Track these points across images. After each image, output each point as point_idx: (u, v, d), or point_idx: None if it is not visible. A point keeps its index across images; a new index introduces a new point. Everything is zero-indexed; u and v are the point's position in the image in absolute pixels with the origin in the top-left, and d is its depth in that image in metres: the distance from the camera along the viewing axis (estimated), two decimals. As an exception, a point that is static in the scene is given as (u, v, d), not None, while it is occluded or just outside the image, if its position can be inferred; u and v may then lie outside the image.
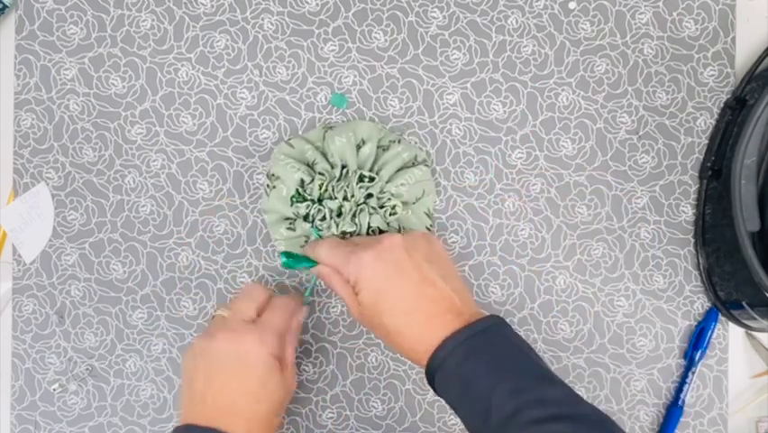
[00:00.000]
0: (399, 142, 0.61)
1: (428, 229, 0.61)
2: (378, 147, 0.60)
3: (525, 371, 0.50)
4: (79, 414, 0.66)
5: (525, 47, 0.65)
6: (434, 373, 0.51)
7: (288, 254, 0.59)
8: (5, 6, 0.65)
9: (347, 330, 0.65)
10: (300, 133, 0.65)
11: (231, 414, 0.52)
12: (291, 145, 0.60)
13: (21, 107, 0.66)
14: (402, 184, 0.59)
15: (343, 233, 0.58)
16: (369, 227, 0.58)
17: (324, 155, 0.60)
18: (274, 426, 0.55)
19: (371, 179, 0.59)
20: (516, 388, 0.47)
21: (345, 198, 0.58)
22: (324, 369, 0.65)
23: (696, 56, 0.65)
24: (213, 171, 0.65)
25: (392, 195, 0.59)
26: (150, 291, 0.65)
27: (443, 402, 0.65)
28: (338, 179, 0.59)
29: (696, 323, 0.65)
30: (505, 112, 0.65)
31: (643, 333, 0.65)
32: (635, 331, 0.65)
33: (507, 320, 0.65)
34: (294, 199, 0.59)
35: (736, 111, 0.62)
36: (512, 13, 0.65)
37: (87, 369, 0.66)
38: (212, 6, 0.65)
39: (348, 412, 0.65)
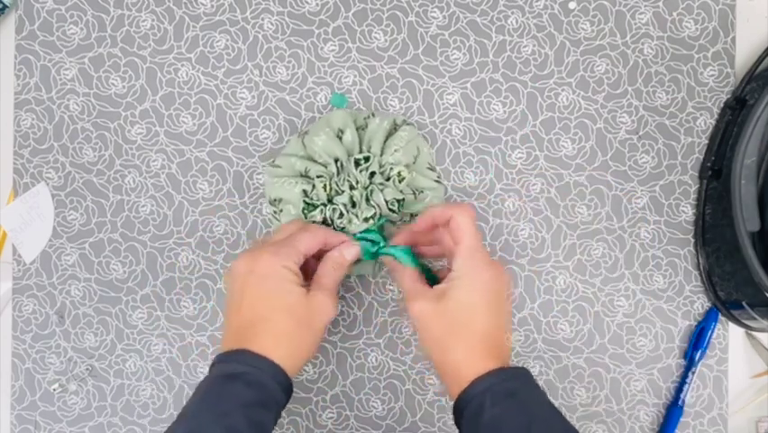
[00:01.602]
0: (373, 115, 0.61)
1: (437, 182, 0.62)
2: (356, 129, 0.60)
3: (555, 421, 0.51)
4: (79, 414, 0.66)
5: (525, 47, 0.65)
6: (469, 402, 0.50)
7: None
8: (5, 6, 0.65)
9: (347, 330, 0.65)
10: (299, 129, 0.65)
11: (254, 330, 0.51)
12: (278, 165, 0.60)
13: (21, 107, 0.66)
14: (396, 150, 0.59)
15: (366, 219, 0.58)
16: (386, 203, 0.58)
17: (312, 159, 0.60)
18: (305, 346, 0.53)
19: (367, 159, 0.59)
20: None
21: (352, 188, 0.58)
22: (324, 369, 0.65)
23: (696, 56, 0.65)
24: (213, 171, 0.65)
25: (392, 164, 0.59)
26: (150, 291, 0.65)
27: (444, 403, 0.65)
28: (337, 174, 0.59)
29: (696, 323, 0.65)
30: (505, 112, 0.65)
31: (643, 333, 0.65)
32: (635, 331, 0.65)
33: (507, 320, 0.65)
34: (306, 212, 0.59)
35: (736, 111, 0.62)
36: (512, 13, 0.65)
37: (87, 369, 0.66)
38: (212, 6, 0.65)
39: (348, 412, 0.65)
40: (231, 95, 0.65)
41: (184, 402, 0.62)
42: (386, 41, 0.65)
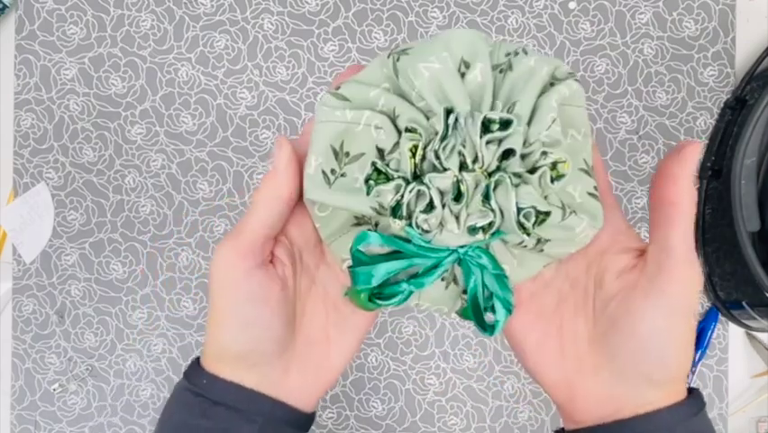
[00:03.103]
0: (525, 52, 0.31)
1: (593, 196, 0.32)
2: (493, 69, 0.31)
3: None
4: (79, 414, 0.66)
5: (525, 47, 0.65)
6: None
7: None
8: (5, 6, 0.65)
9: (347, 330, 0.65)
10: (300, 131, 0.65)
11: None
12: (343, 96, 0.32)
13: (21, 107, 0.66)
14: (554, 120, 0.30)
15: (474, 230, 0.31)
16: (518, 211, 0.30)
17: (406, 98, 0.32)
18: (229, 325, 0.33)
19: (506, 123, 0.30)
20: None
21: (464, 167, 0.30)
22: (324, 369, 0.65)
23: (696, 56, 0.65)
24: (213, 171, 0.65)
25: (546, 145, 0.30)
26: (150, 291, 0.65)
27: (444, 402, 0.65)
28: (443, 137, 0.30)
29: (696, 323, 0.65)
30: (505, 112, 0.65)
31: (643, 333, 0.65)
32: (635, 331, 0.65)
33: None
34: (373, 181, 0.31)
35: (735, 111, 0.62)
36: (512, 13, 0.65)
37: (87, 369, 0.66)
38: (212, 6, 0.65)
39: (348, 412, 0.65)
40: (231, 95, 0.65)
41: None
42: (386, 41, 0.65)
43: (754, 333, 0.64)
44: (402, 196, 0.30)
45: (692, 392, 0.34)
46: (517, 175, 0.30)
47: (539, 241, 0.32)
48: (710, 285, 0.63)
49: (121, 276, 0.66)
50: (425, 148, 0.30)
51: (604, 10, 0.65)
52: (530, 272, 0.34)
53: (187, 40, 0.65)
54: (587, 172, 0.33)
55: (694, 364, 0.64)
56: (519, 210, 0.30)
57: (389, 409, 0.65)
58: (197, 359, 0.35)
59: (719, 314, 0.63)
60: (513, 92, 0.31)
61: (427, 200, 0.30)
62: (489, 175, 0.30)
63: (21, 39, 0.66)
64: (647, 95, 0.65)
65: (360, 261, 0.32)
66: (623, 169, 0.65)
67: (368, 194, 0.31)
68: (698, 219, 0.64)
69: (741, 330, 0.65)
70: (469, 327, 0.65)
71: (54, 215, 0.66)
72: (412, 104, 0.31)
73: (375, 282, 0.32)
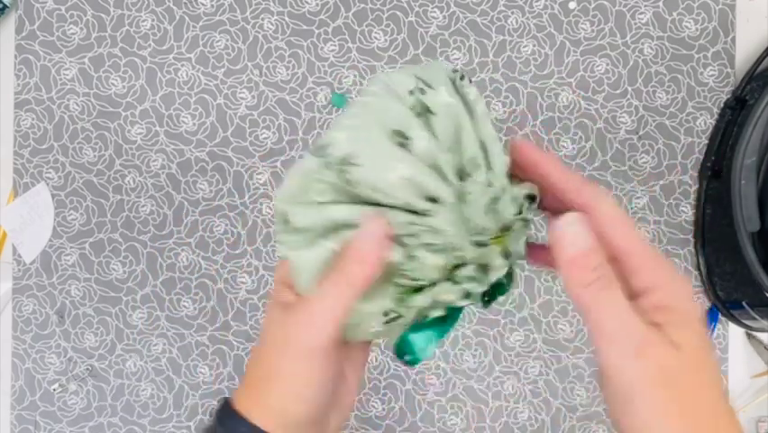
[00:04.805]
0: (467, 79, 0.33)
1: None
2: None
3: None
4: (79, 414, 0.66)
5: (525, 47, 0.65)
6: None
7: None
8: (5, 6, 0.65)
9: (347, 330, 0.65)
10: (301, 132, 0.65)
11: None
12: (296, 228, 0.33)
13: (21, 107, 0.66)
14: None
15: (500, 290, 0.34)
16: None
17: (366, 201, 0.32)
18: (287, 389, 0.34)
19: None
20: None
21: (481, 244, 0.33)
22: (324, 369, 0.65)
23: (696, 56, 0.65)
24: (213, 171, 0.65)
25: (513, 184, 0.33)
26: (150, 291, 0.65)
27: (444, 402, 0.65)
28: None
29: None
30: (505, 112, 0.65)
31: (643, 333, 0.65)
32: (635, 331, 0.65)
33: (507, 319, 0.65)
34: (405, 296, 0.33)
35: (735, 111, 0.62)
36: (512, 13, 0.65)
37: (87, 369, 0.66)
38: (212, 6, 0.65)
39: (348, 412, 0.65)
40: (231, 95, 0.65)
41: (184, 402, 0.62)
42: (386, 41, 0.65)
43: (754, 333, 0.64)
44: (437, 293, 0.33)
45: None
46: (523, 218, 0.33)
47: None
48: (710, 285, 0.63)
49: (121, 276, 0.66)
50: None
51: (604, 10, 0.65)
52: None
53: (187, 40, 0.65)
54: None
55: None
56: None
57: (389, 409, 0.65)
58: (226, 401, 0.35)
59: (719, 314, 0.63)
60: (477, 140, 0.32)
61: (472, 286, 0.33)
62: (507, 231, 0.33)
63: (21, 39, 0.66)
64: (647, 95, 0.65)
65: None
66: (623, 169, 0.65)
67: (401, 311, 0.33)
68: (698, 219, 0.64)
69: (741, 330, 0.64)
70: (468, 326, 0.65)
71: (54, 215, 0.66)
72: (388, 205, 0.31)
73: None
